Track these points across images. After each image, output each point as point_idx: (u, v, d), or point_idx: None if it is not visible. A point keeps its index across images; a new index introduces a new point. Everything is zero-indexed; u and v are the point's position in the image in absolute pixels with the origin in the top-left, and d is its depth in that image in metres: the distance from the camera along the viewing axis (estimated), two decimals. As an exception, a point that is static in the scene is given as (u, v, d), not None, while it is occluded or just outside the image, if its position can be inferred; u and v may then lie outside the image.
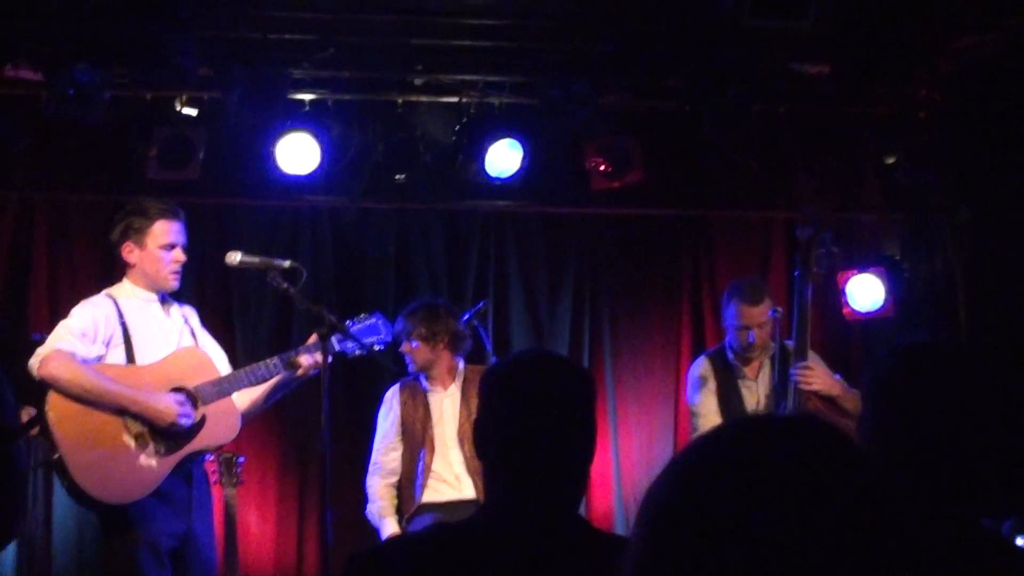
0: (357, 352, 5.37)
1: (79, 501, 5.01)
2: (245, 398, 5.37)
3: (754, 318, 5.88)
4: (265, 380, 5.28)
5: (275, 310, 7.14)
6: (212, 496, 5.44)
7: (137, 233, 5.21)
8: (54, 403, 4.90)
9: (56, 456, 4.87)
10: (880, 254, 7.49)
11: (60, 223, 7.03)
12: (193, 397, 5.10)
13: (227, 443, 5.36)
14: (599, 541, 2.39)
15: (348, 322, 5.38)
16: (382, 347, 5.50)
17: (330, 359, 4.99)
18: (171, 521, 5.06)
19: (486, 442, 2.42)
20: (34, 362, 4.94)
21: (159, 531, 5.02)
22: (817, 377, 5.57)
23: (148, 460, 5.00)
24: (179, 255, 5.23)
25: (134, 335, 5.14)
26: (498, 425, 2.39)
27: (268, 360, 5.25)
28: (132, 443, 4.97)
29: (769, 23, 6.18)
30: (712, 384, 6.00)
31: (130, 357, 5.12)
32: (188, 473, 5.17)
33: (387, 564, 2.33)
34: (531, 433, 2.35)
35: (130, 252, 5.23)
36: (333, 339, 5.15)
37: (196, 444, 5.12)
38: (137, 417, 4.97)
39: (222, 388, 5.17)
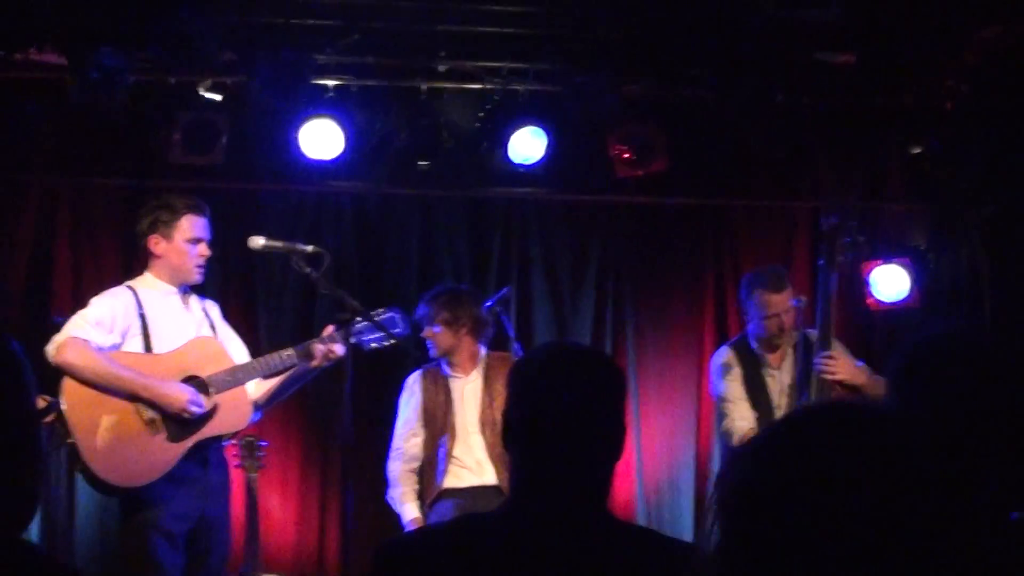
0: (373, 345, 5.41)
1: (93, 485, 5.14)
2: (260, 388, 5.45)
3: (780, 305, 5.88)
4: (279, 371, 5.37)
5: (298, 295, 7.14)
6: (230, 482, 5.51)
7: (165, 226, 5.34)
8: (68, 389, 5.03)
9: (70, 441, 5.01)
10: (905, 245, 7.44)
11: (83, 208, 7.04)
12: (204, 385, 5.20)
13: (238, 431, 5.46)
14: (624, 533, 2.39)
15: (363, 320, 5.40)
16: (400, 335, 5.49)
17: (345, 351, 5.06)
18: (184, 504, 5.17)
19: (514, 432, 2.41)
20: (50, 349, 5.05)
21: (172, 515, 5.13)
22: (841, 366, 5.58)
23: (160, 445, 5.11)
24: (204, 250, 5.38)
25: (152, 326, 5.26)
26: (526, 416, 2.38)
27: (283, 351, 5.33)
28: (144, 429, 5.08)
29: (795, 12, 6.18)
30: (737, 371, 5.98)
31: (148, 348, 5.24)
32: (205, 458, 5.26)
33: (414, 555, 2.34)
34: (559, 425, 2.34)
35: (156, 244, 5.35)
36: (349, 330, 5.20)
37: (207, 431, 5.22)
38: (149, 404, 5.09)
39: (235, 377, 5.28)
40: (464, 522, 2.55)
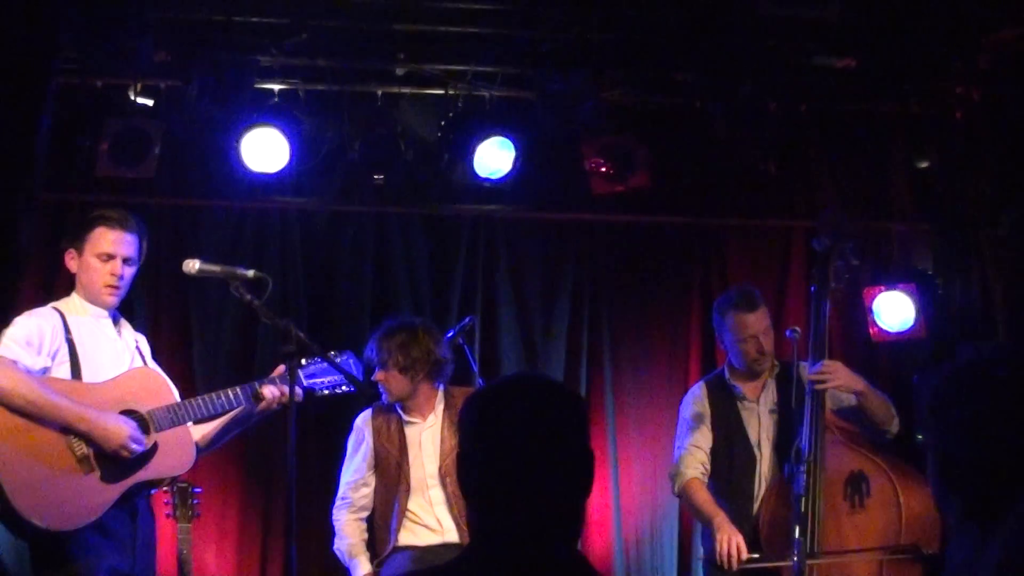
0: (325, 392, 5.41)
1: (10, 526, 4.90)
2: (199, 430, 5.35)
3: (757, 325, 5.87)
4: (224, 411, 5.26)
5: (238, 324, 7.10)
6: (156, 534, 5.39)
7: (77, 239, 5.21)
8: None
9: None
10: (910, 268, 7.50)
11: (-1, 223, 6.96)
12: (144, 422, 5.05)
13: (178, 475, 5.34)
14: None
15: (311, 361, 5.41)
16: (351, 390, 5.47)
17: (301, 396, 4.99)
18: (114, 558, 5.01)
19: (470, 477, 2.39)
20: None
21: (101, 568, 4.95)
22: (836, 374, 5.62)
23: (93, 486, 4.94)
24: (116, 268, 5.19)
25: (81, 353, 5.10)
26: (481, 457, 2.36)
27: (230, 389, 5.22)
28: (76, 466, 4.91)
29: (791, 11, 6.23)
30: (706, 415, 6.00)
31: (76, 376, 5.07)
32: (134, 508, 5.12)
33: None
34: (517, 465, 2.33)
35: (71, 259, 5.24)
36: (300, 373, 5.16)
37: (144, 474, 5.06)
38: (83, 437, 4.91)
39: (177, 415, 5.14)
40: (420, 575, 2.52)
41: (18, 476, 4.80)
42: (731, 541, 5.58)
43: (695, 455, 5.92)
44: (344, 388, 5.42)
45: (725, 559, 5.57)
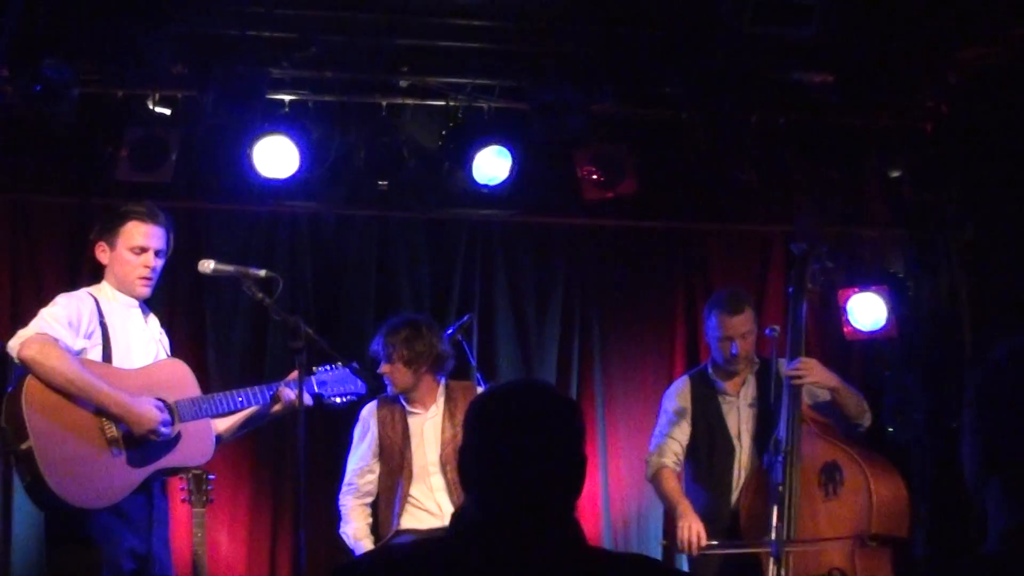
0: (336, 399, 5.57)
1: (39, 499, 4.98)
2: (220, 423, 5.46)
3: (736, 328, 5.99)
4: (243, 408, 5.37)
5: (250, 321, 7.18)
6: (169, 517, 5.47)
7: (109, 233, 5.27)
8: (31, 390, 4.90)
9: (25, 447, 4.85)
10: (883, 272, 7.53)
11: (23, 226, 7.01)
12: (171, 411, 5.13)
13: (198, 465, 5.35)
14: (592, 556, 2.48)
15: (322, 368, 5.52)
16: (354, 398, 5.64)
17: (310, 402, 5.16)
18: (131, 540, 5.09)
19: (470, 475, 2.49)
20: (14, 343, 4.95)
21: (120, 550, 5.04)
22: (812, 371, 5.76)
23: (120, 468, 5.01)
24: (149, 260, 5.26)
25: (113, 338, 5.17)
26: (481, 458, 2.45)
27: (250, 389, 5.34)
28: (106, 447, 4.98)
29: (771, 30, 6.19)
30: (686, 408, 6.12)
31: (107, 360, 5.14)
32: (150, 492, 5.19)
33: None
34: (513, 464, 2.40)
35: (102, 252, 5.29)
36: (312, 380, 5.32)
37: (168, 461, 5.15)
38: (114, 420, 4.99)
39: (201, 408, 5.22)
40: (422, 544, 2.70)
41: (53, 452, 4.85)
42: (691, 528, 5.70)
43: (671, 446, 6.03)
44: (350, 398, 5.59)
45: (685, 545, 5.70)
